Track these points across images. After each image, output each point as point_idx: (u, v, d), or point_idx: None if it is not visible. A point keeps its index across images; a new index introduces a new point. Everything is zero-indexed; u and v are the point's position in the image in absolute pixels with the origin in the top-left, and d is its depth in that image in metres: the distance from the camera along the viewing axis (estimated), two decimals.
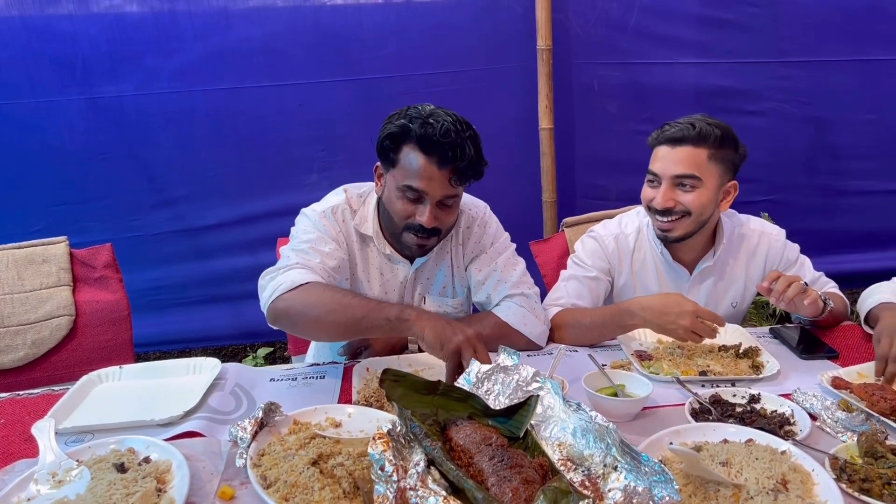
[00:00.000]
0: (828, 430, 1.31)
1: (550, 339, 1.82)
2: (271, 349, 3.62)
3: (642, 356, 1.68)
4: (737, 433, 1.26)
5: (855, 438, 1.25)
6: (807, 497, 1.06)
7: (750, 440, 1.23)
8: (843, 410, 1.35)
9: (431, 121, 1.55)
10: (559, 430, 1.16)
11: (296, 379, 1.62)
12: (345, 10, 3.12)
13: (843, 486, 1.11)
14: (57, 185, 3.14)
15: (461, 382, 1.31)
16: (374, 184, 1.76)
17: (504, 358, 1.31)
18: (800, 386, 1.46)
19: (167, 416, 1.37)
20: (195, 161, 3.23)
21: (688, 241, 1.88)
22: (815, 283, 1.96)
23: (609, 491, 1.02)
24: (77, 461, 1.18)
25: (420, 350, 1.70)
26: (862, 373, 1.55)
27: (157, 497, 1.08)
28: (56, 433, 1.28)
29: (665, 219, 1.83)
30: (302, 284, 1.51)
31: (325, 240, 1.69)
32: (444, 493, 0.95)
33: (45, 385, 1.64)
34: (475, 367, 1.31)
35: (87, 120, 3.08)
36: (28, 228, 3.05)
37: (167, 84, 3.08)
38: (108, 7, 2.96)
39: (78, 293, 2.03)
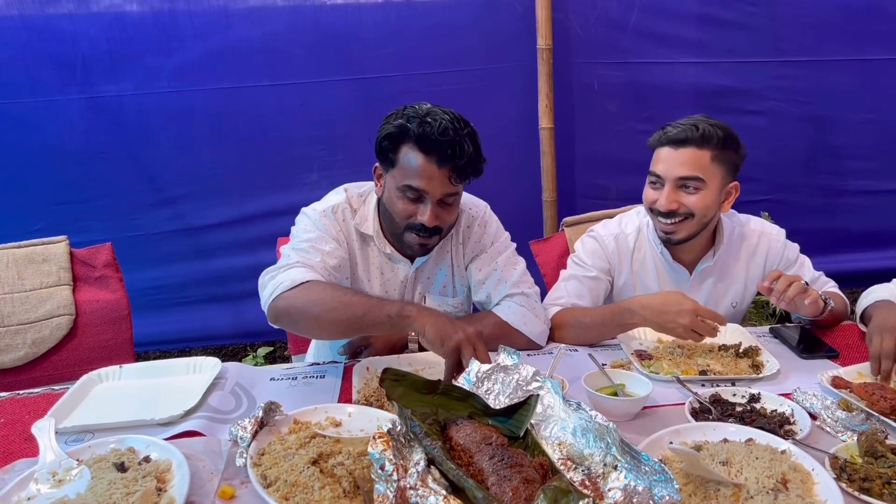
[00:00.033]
0: (828, 429, 1.32)
1: (550, 339, 1.82)
2: (271, 348, 3.62)
3: (642, 355, 1.68)
4: (737, 432, 1.26)
5: (855, 438, 1.25)
6: (807, 496, 1.06)
7: (750, 439, 1.23)
8: (843, 410, 1.35)
9: (429, 119, 1.55)
10: (559, 429, 1.16)
11: (296, 378, 1.62)
12: (345, 9, 3.12)
13: (843, 485, 1.11)
14: (57, 184, 3.14)
15: (461, 382, 1.31)
16: (374, 183, 1.76)
17: (504, 357, 1.31)
18: (800, 385, 1.46)
19: (167, 415, 1.37)
20: (195, 161, 3.23)
21: (688, 241, 1.88)
22: (815, 282, 1.95)
23: (609, 490, 1.02)
24: (77, 460, 1.18)
25: (420, 349, 1.70)
26: (862, 372, 1.55)
27: (157, 496, 1.08)
28: (56, 432, 1.27)
29: (668, 221, 1.82)
30: (302, 283, 1.52)
31: (325, 239, 1.69)
32: (444, 492, 0.95)
33: (45, 384, 1.64)
34: (475, 367, 1.31)
35: (87, 119, 3.08)
36: (28, 228, 3.04)
37: (167, 83, 3.08)
38: (107, 6, 2.96)
39: (78, 292, 2.03)
